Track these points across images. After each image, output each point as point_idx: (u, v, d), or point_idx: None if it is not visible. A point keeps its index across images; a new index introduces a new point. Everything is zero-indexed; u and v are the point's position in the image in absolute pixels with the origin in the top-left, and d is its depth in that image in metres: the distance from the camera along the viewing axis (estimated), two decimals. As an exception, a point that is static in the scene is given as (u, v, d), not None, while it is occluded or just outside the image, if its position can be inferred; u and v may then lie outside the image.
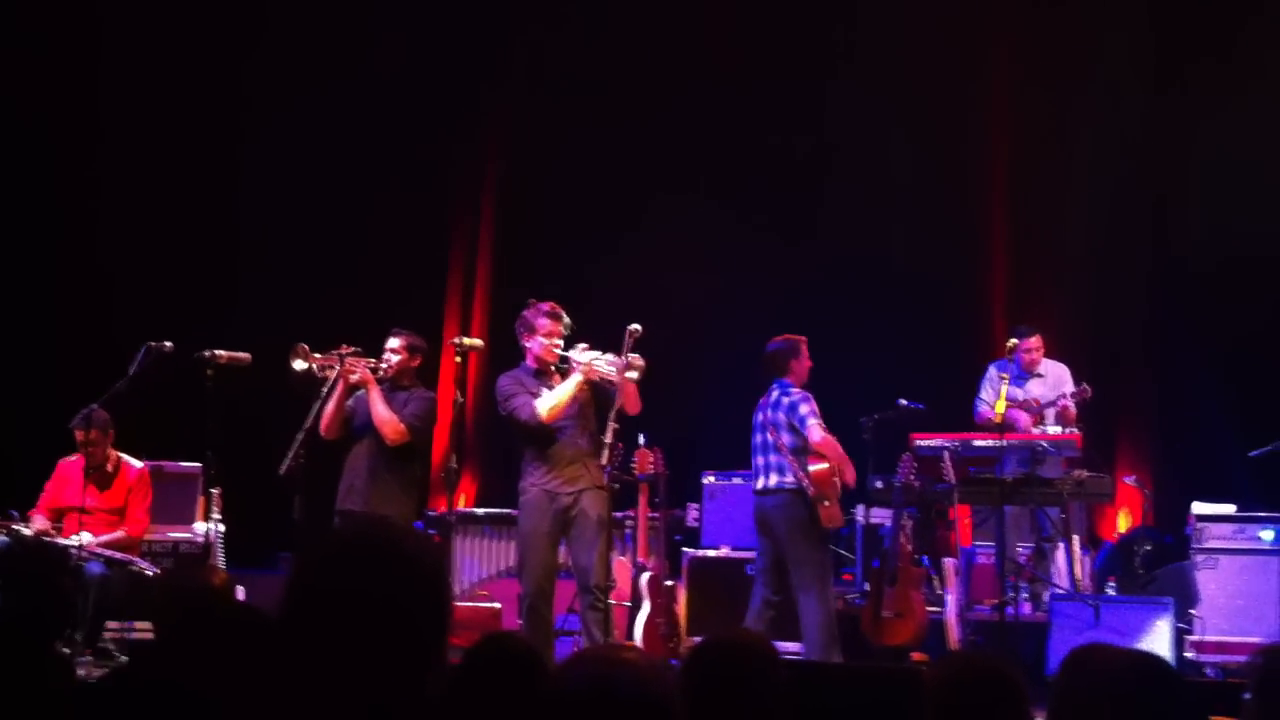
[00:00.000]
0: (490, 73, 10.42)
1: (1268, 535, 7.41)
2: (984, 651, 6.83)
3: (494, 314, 9.92)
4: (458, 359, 7.08)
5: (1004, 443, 7.49)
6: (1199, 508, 7.61)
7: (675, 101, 10.11)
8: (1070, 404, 8.15)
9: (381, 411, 6.61)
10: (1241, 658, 6.44)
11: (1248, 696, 2.38)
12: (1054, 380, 8.45)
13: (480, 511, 8.24)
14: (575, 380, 6.43)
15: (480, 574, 7.94)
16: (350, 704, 1.78)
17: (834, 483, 6.88)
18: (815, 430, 6.86)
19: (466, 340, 7.06)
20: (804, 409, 6.93)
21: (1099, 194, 9.69)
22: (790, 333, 7.26)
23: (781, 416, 6.98)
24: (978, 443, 7.84)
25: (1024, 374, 8.48)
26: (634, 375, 6.28)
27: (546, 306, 6.61)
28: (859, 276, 9.77)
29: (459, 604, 7.63)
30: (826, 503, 6.83)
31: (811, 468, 6.86)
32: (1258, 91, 9.24)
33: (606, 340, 6.53)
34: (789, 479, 6.89)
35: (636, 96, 10.09)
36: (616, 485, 6.63)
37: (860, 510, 8.28)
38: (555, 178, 10.30)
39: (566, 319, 6.58)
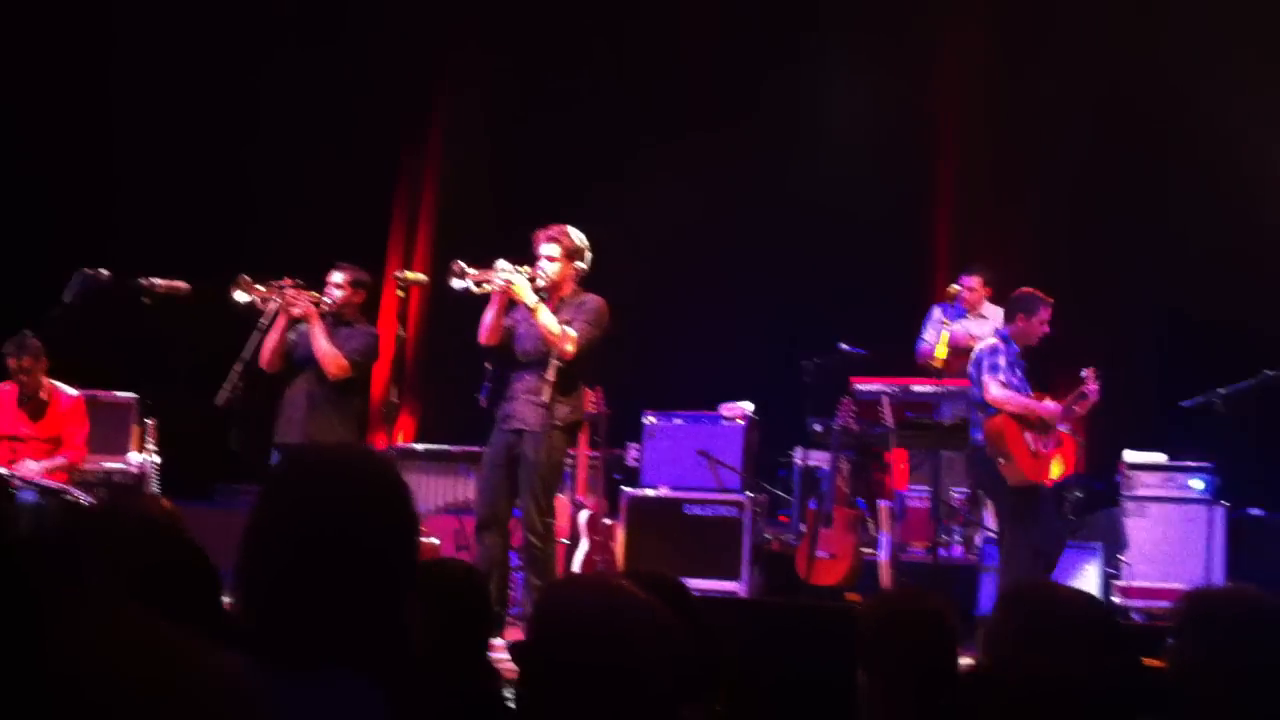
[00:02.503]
0: (439, 8, 10.30)
1: (1197, 484, 7.55)
2: (915, 588, 6.92)
3: (438, 247, 9.85)
4: (400, 293, 7.03)
5: (942, 388, 7.57)
6: (1130, 456, 7.73)
7: (625, 45, 10.05)
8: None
9: (323, 346, 6.54)
10: (1167, 603, 6.57)
11: (1171, 641, 2.43)
12: (995, 322, 8.50)
13: (420, 447, 8.23)
14: (493, 300, 6.13)
15: (420, 510, 7.93)
16: (327, 637, 1.75)
17: (1012, 438, 6.54)
18: (991, 385, 6.61)
19: (409, 274, 7.01)
20: (987, 362, 6.65)
21: (1045, 137, 9.70)
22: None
23: (971, 370, 6.79)
24: (916, 388, 7.93)
25: (966, 315, 8.56)
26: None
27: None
28: (802, 220, 9.78)
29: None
30: (1002, 460, 6.56)
31: (986, 424, 6.64)
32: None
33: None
34: (978, 435, 6.72)
35: (589, 39, 10.02)
36: (580, 419, 6.45)
37: (798, 452, 8.35)
38: (503, 112, 10.22)
39: (539, 235, 6.25)
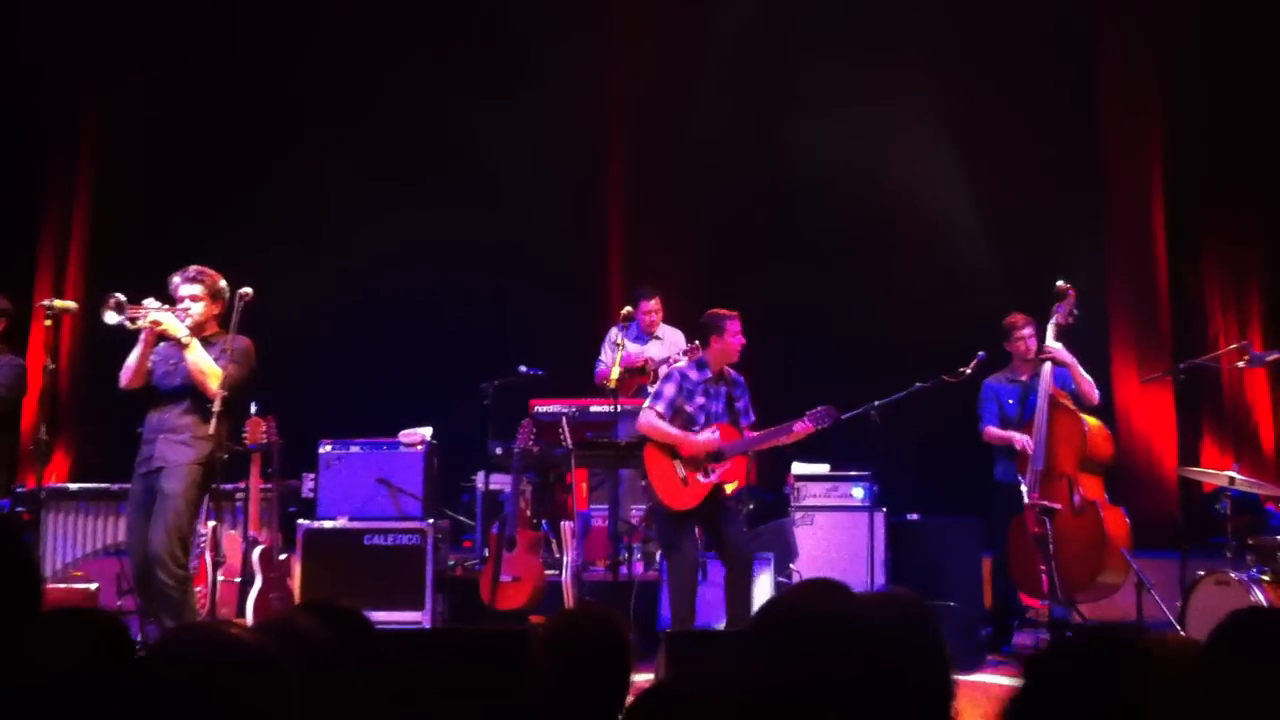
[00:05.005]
0: (91, 26, 9.76)
1: (858, 492, 7.94)
2: (590, 606, 6.97)
3: (90, 275, 9.30)
4: (48, 323, 6.57)
5: (620, 408, 7.68)
6: (797, 467, 8.06)
7: (292, 69, 9.82)
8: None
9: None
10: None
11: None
12: (670, 343, 8.73)
13: (74, 487, 7.69)
14: (141, 340, 6.01)
15: (75, 553, 7.42)
16: None
17: (653, 464, 6.75)
18: (643, 413, 6.79)
19: (58, 303, 6.56)
20: (653, 390, 6.89)
21: (715, 161, 10.05)
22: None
23: None
24: (594, 408, 8.03)
25: (643, 336, 8.74)
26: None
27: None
28: (481, 246, 9.78)
29: (52, 586, 7.12)
30: (644, 483, 6.84)
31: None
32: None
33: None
34: None
35: (257, 67, 9.74)
36: (225, 455, 6.27)
37: (480, 476, 8.30)
38: (158, 133, 9.76)
39: (175, 279, 6.18)
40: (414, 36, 9.98)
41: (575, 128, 10.09)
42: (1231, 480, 6.84)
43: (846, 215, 9.69)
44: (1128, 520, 7.30)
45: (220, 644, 1.90)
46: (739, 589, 6.63)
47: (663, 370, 8.24)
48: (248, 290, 6.08)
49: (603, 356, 8.66)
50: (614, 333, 8.61)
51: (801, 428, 6.65)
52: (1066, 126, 9.71)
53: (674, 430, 6.72)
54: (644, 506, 8.18)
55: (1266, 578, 6.32)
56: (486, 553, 7.73)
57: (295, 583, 7.52)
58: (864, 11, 9.78)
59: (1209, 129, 9.52)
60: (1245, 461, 8.73)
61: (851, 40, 9.79)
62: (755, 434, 6.79)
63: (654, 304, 8.79)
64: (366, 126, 9.81)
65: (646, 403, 6.83)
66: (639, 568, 7.87)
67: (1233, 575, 6.42)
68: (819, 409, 6.65)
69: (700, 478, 6.69)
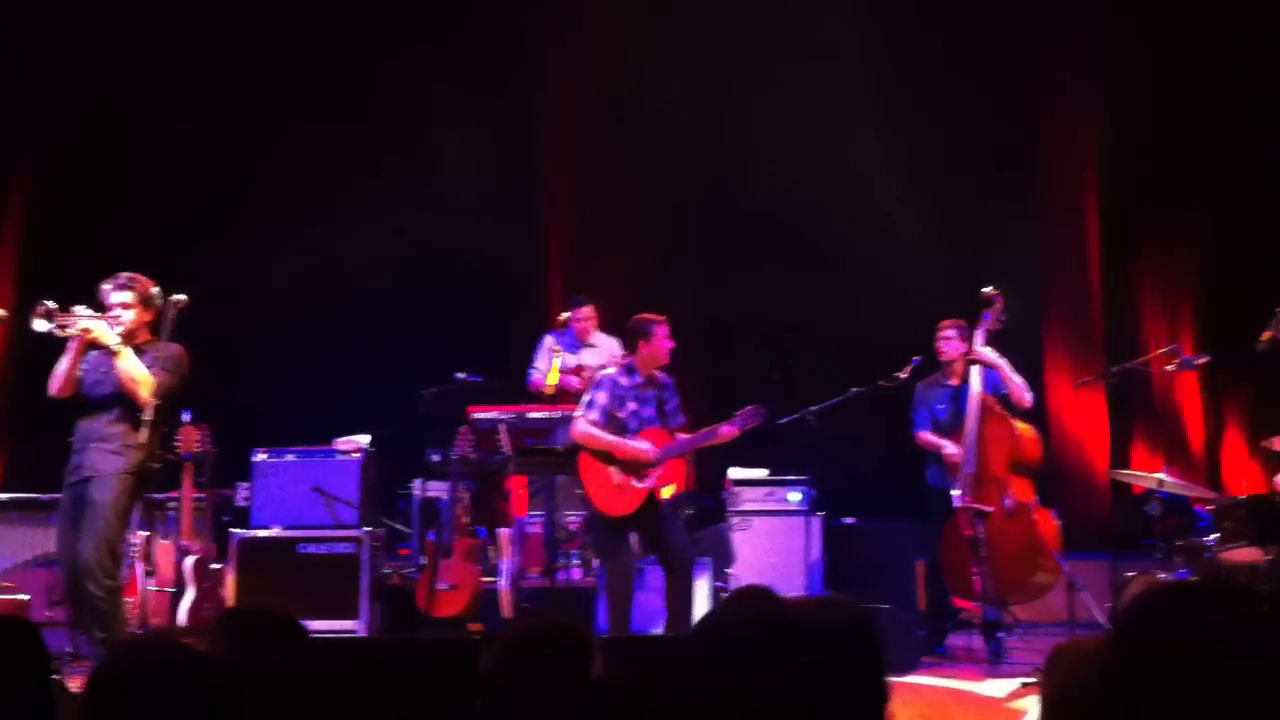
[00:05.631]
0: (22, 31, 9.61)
1: (795, 496, 7.97)
2: (550, 615, 6.95)
3: (20, 282, 9.16)
4: (-24, 330, 6.47)
5: (557, 414, 7.68)
6: (735, 472, 8.08)
7: (223, 76, 9.74)
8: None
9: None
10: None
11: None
12: (605, 351, 8.74)
13: (4, 497, 7.57)
14: (71, 347, 5.93)
15: (4, 564, 7.31)
16: None
17: (588, 471, 6.78)
18: (578, 422, 6.80)
19: (-13, 310, 6.47)
20: (585, 398, 6.88)
21: (655, 164, 10.06)
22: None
23: None
24: (533, 414, 8.01)
25: (577, 343, 8.74)
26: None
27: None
28: (419, 255, 9.75)
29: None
30: (579, 490, 6.90)
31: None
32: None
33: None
34: None
35: (188, 79, 9.66)
36: (157, 465, 6.19)
37: (417, 484, 8.25)
38: (90, 139, 9.63)
39: (106, 286, 6.08)
40: (349, 31, 9.89)
41: (513, 131, 10.06)
42: (1161, 483, 6.95)
43: (786, 220, 9.74)
44: (1059, 522, 7.40)
45: (175, 654, 1.88)
46: (680, 594, 6.64)
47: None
48: (182, 297, 6.01)
49: (537, 363, 8.66)
50: (549, 340, 8.61)
51: (728, 430, 6.68)
52: (1004, 132, 9.82)
53: (610, 436, 6.73)
54: (581, 514, 8.17)
55: (1195, 579, 6.43)
56: (423, 560, 7.69)
57: (229, 593, 7.44)
58: (804, 16, 9.82)
59: (1145, 139, 9.66)
60: (1175, 464, 8.87)
61: (792, 44, 9.84)
62: (685, 437, 6.81)
63: (587, 311, 8.79)
64: (297, 131, 9.72)
65: (579, 411, 6.83)
66: (576, 573, 7.86)
67: (1161, 577, 6.52)
68: (747, 409, 6.69)
69: (635, 483, 6.69)
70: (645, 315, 6.92)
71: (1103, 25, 9.80)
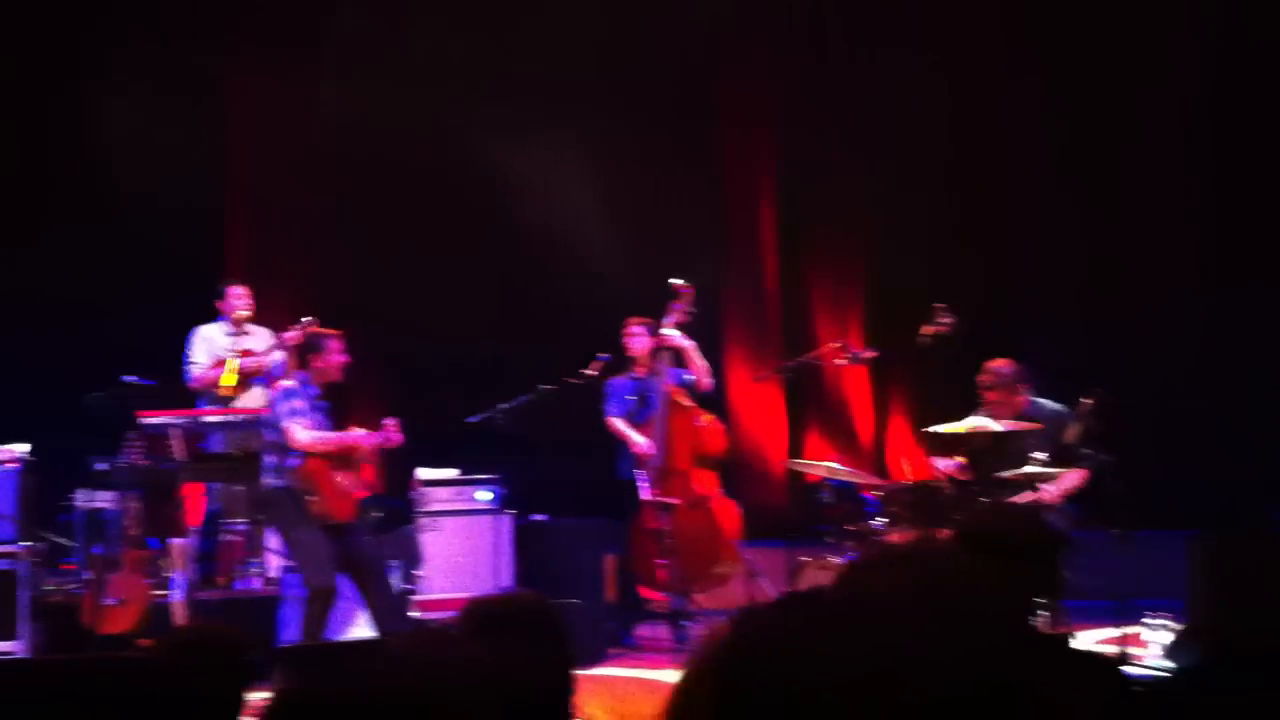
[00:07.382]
0: None
1: (485, 495, 7.95)
2: (205, 627, 6.66)
3: None
4: None
5: (234, 418, 7.38)
6: (422, 473, 7.98)
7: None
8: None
9: None
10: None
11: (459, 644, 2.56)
12: (261, 336, 8.27)
13: None
14: None
15: None
16: None
17: (323, 479, 6.58)
18: (297, 432, 6.55)
19: None
20: (285, 408, 6.60)
21: (328, 162, 9.82)
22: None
23: (271, 414, 6.71)
24: (207, 419, 7.67)
25: (235, 330, 8.23)
26: None
27: None
28: (82, 242, 9.19)
29: None
30: (313, 498, 6.55)
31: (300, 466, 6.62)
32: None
33: None
34: (279, 479, 6.68)
35: None
36: None
37: (81, 494, 7.76)
38: None
39: None
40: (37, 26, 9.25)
41: (192, 132, 9.59)
42: (832, 471, 7.29)
43: (468, 217, 9.66)
44: (740, 512, 7.65)
45: None
46: (379, 595, 6.56)
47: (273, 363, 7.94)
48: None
49: (195, 358, 8.13)
50: (207, 330, 8.14)
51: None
52: (691, 139, 10.07)
53: (336, 435, 6.68)
54: (249, 520, 7.85)
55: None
56: (88, 575, 7.25)
57: None
58: (491, 12, 9.77)
59: (817, 146, 10.13)
60: (846, 454, 9.33)
61: (476, 40, 9.77)
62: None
63: (241, 289, 8.31)
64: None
65: (286, 423, 6.58)
66: (256, 582, 7.57)
67: (833, 560, 6.84)
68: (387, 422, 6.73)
69: (351, 484, 6.66)
70: (318, 329, 6.86)
71: (780, 49, 10.22)
